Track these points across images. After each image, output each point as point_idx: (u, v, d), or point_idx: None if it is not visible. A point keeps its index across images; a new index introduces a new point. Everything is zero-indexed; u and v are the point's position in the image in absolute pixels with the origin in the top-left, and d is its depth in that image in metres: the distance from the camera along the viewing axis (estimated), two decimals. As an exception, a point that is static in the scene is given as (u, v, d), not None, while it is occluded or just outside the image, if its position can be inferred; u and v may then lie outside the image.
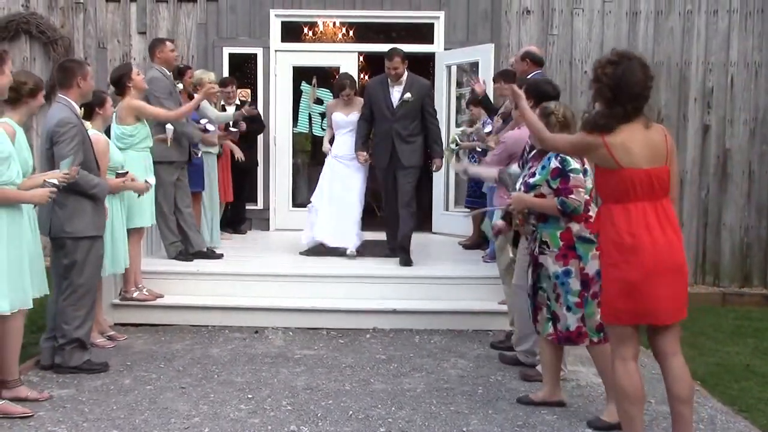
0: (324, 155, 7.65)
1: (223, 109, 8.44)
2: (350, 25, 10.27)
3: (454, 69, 9.05)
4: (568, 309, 4.25)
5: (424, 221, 9.16)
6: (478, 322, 6.29)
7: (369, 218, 7.60)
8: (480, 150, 7.14)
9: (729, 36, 8.60)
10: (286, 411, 4.48)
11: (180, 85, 7.31)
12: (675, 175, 3.68)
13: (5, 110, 4.49)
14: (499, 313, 6.09)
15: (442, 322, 6.29)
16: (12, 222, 4.18)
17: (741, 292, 8.50)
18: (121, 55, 8.97)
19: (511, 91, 4.41)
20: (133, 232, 6.04)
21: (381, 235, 7.64)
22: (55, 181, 4.34)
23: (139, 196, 5.85)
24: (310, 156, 10.72)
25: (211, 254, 7.13)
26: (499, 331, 6.05)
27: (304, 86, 9.63)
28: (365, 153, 7.29)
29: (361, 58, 10.45)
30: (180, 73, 7.56)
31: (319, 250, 7.34)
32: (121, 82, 6.13)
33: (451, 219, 9.04)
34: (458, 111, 9.05)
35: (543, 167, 4.30)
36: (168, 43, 7.00)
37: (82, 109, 5.18)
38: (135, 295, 6.28)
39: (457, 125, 8.99)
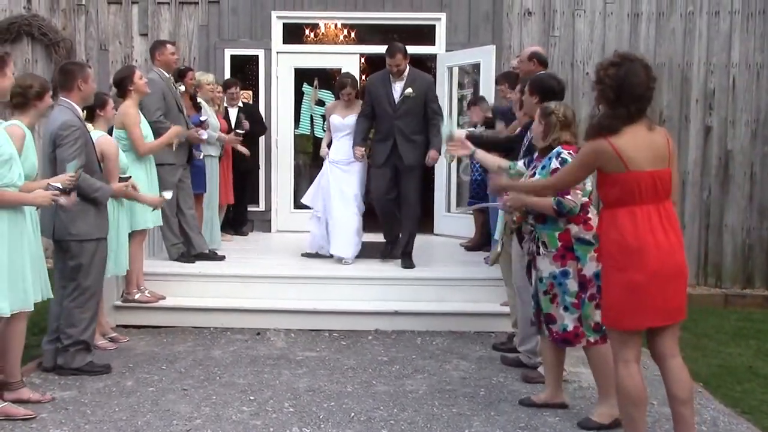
0: (322, 159, 7.55)
1: (226, 111, 8.48)
2: (352, 27, 10.30)
3: (455, 70, 9.05)
4: (565, 309, 4.25)
5: (425, 222, 9.16)
6: (480, 324, 6.29)
7: (372, 219, 7.53)
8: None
9: (731, 37, 8.60)
10: (288, 413, 4.48)
11: (182, 88, 7.31)
12: (676, 177, 3.68)
13: (14, 114, 4.50)
14: (501, 315, 6.09)
15: (444, 323, 6.29)
16: (13, 224, 4.17)
17: (743, 293, 8.49)
18: (123, 57, 8.98)
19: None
20: (136, 234, 6.04)
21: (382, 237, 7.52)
22: (59, 185, 4.35)
23: (153, 209, 5.89)
24: (311, 158, 10.70)
25: (213, 256, 7.14)
26: (501, 332, 6.05)
27: (306, 88, 9.64)
28: (363, 149, 7.10)
29: (363, 60, 10.45)
30: (181, 74, 7.56)
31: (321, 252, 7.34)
32: (122, 85, 6.13)
33: (452, 220, 9.03)
34: (460, 112, 9.04)
35: (543, 167, 4.31)
36: (168, 45, 7.00)
37: (85, 111, 5.18)
38: (137, 296, 6.28)
39: (459, 126, 9.00)
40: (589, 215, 4.24)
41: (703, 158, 8.67)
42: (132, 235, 5.92)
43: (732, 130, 8.64)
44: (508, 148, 5.28)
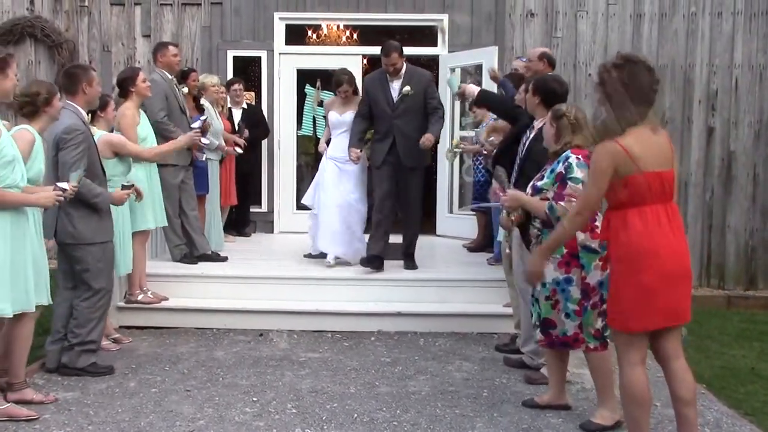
0: (320, 155, 7.42)
1: (230, 112, 8.49)
2: (354, 28, 10.31)
3: (458, 71, 9.04)
4: (567, 316, 4.23)
5: (427, 223, 9.16)
6: (482, 325, 6.29)
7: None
8: (485, 153, 7.14)
9: (733, 38, 8.59)
10: (290, 414, 4.48)
11: (185, 89, 7.32)
12: (676, 179, 3.68)
13: (25, 122, 4.52)
14: (504, 316, 6.09)
15: (447, 324, 6.29)
16: (16, 225, 4.18)
17: (746, 294, 8.48)
18: (126, 58, 8.99)
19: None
20: (138, 235, 6.03)
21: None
22: (66, 186, 4.38)
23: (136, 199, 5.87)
24: (314, 159, 10.68)
25: (215, 257, 7.15)
26: (504, 334, 6.04)
27: (308, 89, 9.64)
28: (359, 151, 6.85)
29: (365, 61, 10.44)
30: (184, 76, 7.58)
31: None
32: (124, 85, 6.13)
33: (455, 221, 9.03)
34: (462, 113, 9.05)
35: (551, 171, 4.28)
36: (171, 47, 7.02)
37: (89, 114, 5.20)
38: (140, 297, 6.29)
39: (462, 127, 9.01)
40: (597, 223, 4.13)
41: (706, 159, 8.66)
42: (134, 235, 5.92)
43: (735, 131, 8.63)
44: (512, 117, 5.31)
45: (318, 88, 9.64)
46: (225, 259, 7.19)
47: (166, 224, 6.61)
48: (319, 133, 9.67)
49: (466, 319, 6.32)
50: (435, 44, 9.14)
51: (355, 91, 7.14)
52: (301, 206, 9.25)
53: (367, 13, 9.05)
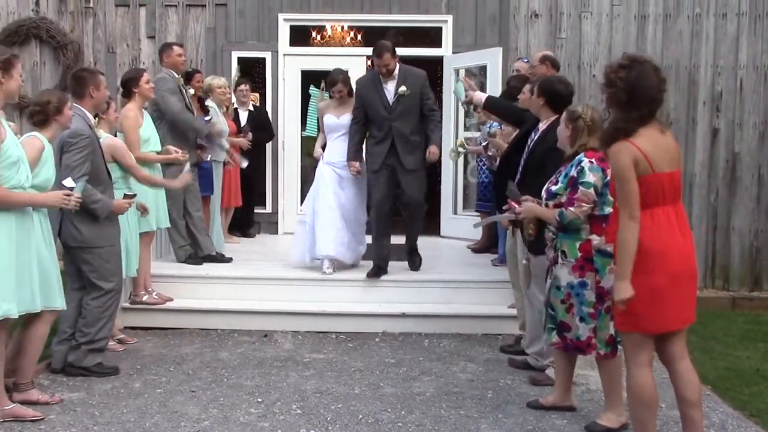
0: (316, 161, 7.11)
1: (236, 113, 8.50)
2: (358, 29, 10.31)
3: (462, 73, 9.03)
4: (582, 320, 4.18)
5: (432, 224, 9.17)
6: (487, 326, 6.29)
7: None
8: (490, 154, 7.13)
9: (738, 39, 8.58)
10: (295, 415, 4.48)
11: (191, 90, 7.34)
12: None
13: (36, 130, 4.54)
14: (508, 317, 6.09)
15: (452, 325, 6.29)
16: (21, 226, 4.18)
17: (750, 296, 8.46)
18: (131, 59, 9.00)
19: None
20: (143, 236, 6.04)
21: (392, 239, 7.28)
22: (73, 184, 4.39)
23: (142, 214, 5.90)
24: (317, 161, 10.70)
25: (220, 258, 7.16)
26: (509, 335, 6.04)
27: (313, 90, 9.65)
28: (357, 164, 6.61)
29: (369, 62, 10.44)
30: (188, 77, 7.59)
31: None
32: (127, 86, 6.14)
33: (459, 222, 9.02)
34: (466, 114, 9.04)
35: (565, 175, 4.23)
36: (175, 47, 7.04)
37: (96, 118, 5.21)
38: (145, 298, 6.30)
39: (466, 128, 9.01)
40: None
41: (711, 160, 8.64)
42: (139, 237, 5.93)
43: (739, 132, 8.61)
44: (519, 120, 5.31)
45: (322, 89, 9.64)
46: (230, 260, 7.20)
47: (169, 225, 6.62)
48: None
49: (471, 320, 6.32)
50: (439, 45, 9.13)
51: (351, 92, 6.85)
52: (304, 207, 9.28)
53: (371, 14, 9.05)
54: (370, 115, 6.60)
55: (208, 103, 7.64)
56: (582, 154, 4.20)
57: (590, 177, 4.11)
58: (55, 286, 4.44)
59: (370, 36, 10.05)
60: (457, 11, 8.93)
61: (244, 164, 8.10)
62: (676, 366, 3.70)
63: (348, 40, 10.45)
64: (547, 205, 4.31)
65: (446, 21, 8.97)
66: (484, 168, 7.83)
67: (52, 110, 4.54)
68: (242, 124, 8.47)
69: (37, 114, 4.55)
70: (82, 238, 4.92)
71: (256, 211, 9.13)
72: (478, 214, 8.16)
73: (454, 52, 8.96)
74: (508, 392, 4.92)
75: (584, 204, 4.11)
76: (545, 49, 7.97)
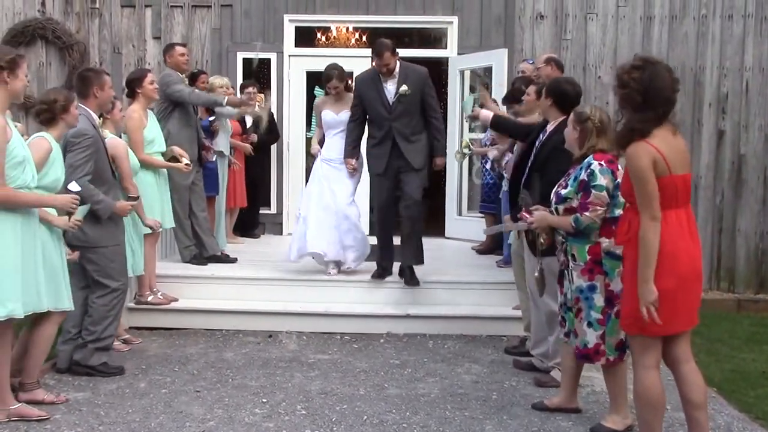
0: (313, 158, 7.01)
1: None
2: (363, 30, 10.32)
3: (467, 74, 9.05)
4: (589, 325, 4.12)
5: (436, 226, 9.17)
6: (492, 328, 6.29)
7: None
8: (495, 154, 7.12)
9: (744, 40, 8.56)
10: (300, 415, 4.48)
11: (196, 91, 7.33)
12: None
13: (43, 129, 4.55)
14: (513, 319, 6.09)
15: (456, 327, 6.29)
16: (26, 226, 4.19)
17: (756, 298, 8.43)
18: (136, 60, 9.02)
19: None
20: (148, 236, 6.04)
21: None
22: (79, 188, 4.41)
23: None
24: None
25: (225, 258, 7.17)
26: (513, 336, 6.04)
27: (318, 91, 9.64)
28: (354, 161, 6.56)
29: (373, 63, 10.45)
30: (193, 78, 7.60)
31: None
32: (131, 86, 6.15)
33: (464, 224, 9.02)
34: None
35: (575, 178, 4.19)
36: (177, 47, 7.06)
37: (101, 118, 5.22)
38: (150, 298, 6.31)
39: (470, 130, 9.00)
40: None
41: (716, 162, 8.62)
42: (144, 237, 5.94)
43: (745, 134, 8.59)
44: (525, 134, 5.30)
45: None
46: (234, 260, 7.20)
47: (174, 226, 6.63)
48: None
49: (476, 321, 6.32)
50: (444, 46, 9.13)
51: (347, 87, 6.72)
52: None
53: (377, 15, 9.05)
54: (369, 115, 6.50)
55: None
56: (591, 157, 4.16)
57: (601, 180, 4.08)
58: (64, 287, 4.45)
59: (375, 37, 10.02)
60: (462, 12, 8.93)
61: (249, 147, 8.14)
62: (681, 368, 3.69)
63: (353, 41, 10.46)
64: (556, 209, 4.27)
65: (451, 22, 8.97)
66: (488, 169, 7.82)
67: (58, 109, 4.55)
68: (247, 125, 8.48)
69: (44, 112, 4.57)
70: (86, 238, 4.93)
71: (260, 211, 9.13)
72: (483, 215, 8.15)
73: (459, 54, 8.96)
74: (512, 394, 4.92)
75: (598, 207, 4.07)
76: (550, 51, 7.99)
